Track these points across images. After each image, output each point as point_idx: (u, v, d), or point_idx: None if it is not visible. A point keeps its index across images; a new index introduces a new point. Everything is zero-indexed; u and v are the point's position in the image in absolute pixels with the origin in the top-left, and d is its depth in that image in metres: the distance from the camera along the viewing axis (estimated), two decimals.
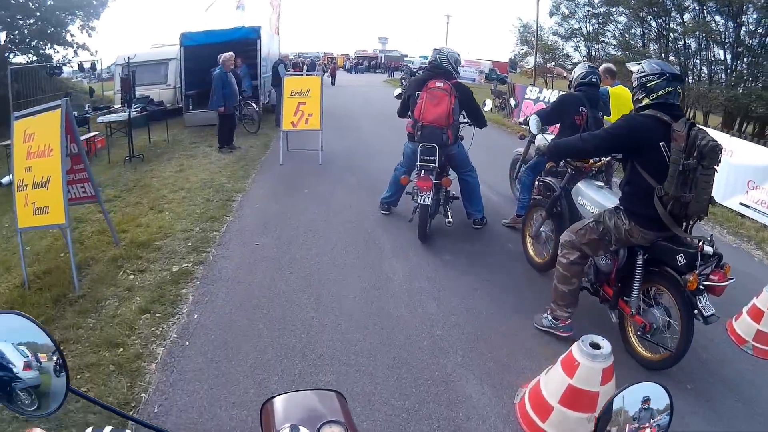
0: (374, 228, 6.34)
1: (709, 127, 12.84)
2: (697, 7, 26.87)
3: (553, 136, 6.36)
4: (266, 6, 21.60)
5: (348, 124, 14.92)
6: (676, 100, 3.57)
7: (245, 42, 14.73)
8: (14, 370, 1.08)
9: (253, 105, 13.68)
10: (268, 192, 7.84)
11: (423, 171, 5.71)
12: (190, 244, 5.77)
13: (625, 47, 31.46)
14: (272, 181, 8.54)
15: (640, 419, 1.24)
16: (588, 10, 33.46)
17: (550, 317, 4.12)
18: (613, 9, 31.69)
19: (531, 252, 5.54)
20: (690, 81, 26.20)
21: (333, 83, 35.20)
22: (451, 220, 5.98)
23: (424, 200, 5.65)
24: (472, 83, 43.31)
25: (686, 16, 28.10)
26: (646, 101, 3.58)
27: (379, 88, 34.32)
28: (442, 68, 6.08)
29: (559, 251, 4.07)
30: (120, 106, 13.94)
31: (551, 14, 36.15)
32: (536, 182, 6.17)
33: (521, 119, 7.06)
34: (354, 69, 59.43)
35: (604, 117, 6.09)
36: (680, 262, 3.45)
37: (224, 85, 10.76)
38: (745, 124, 25.02)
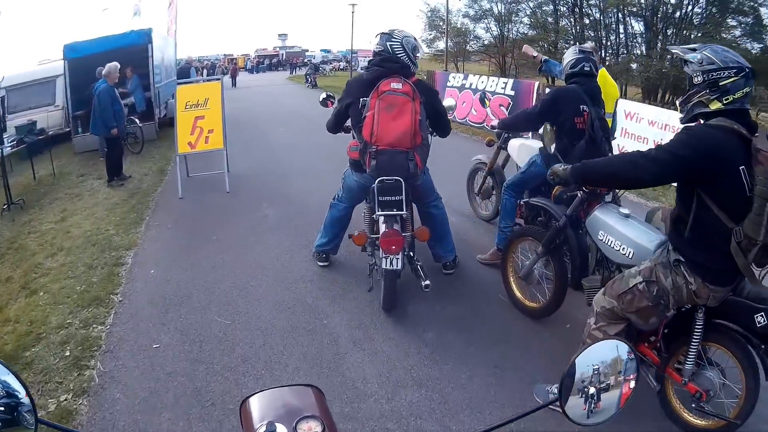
0: (317, 298, 4.72)
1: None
2: None
3: (533, 143, 5.30)
4: (163, 11, 19.87)
5: (255, 134, 13.37)
6: (748, 105, 2.65)
7: (135, 49, 13.02)
8: None
9: (136, 121, 12.07)
10: (166, 245, 6.17)
11: (384, 219, 4.15)
12: (68, 353, 4.06)
13: (538, 25, 31.64)
14: (171, 225, 6.84)
15: (603, 374, 1.27)
16: None
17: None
18: None
19: (518, 294, 4.48)
20: (605, 55, 26.75)
21: (234, 85, 34.31)
22: (428, 282, 4.22)
23: (393, 264, 4.06)
24: None
25: None
26: (716, 105, 2.59)
27: (283, 87, 33.22)
28: (397, 60, 4.36)
29: (593, 321, 3.11)
30: None
31: None
32: (520, 203, 5.21)
33: (493, 123, 5.73)
34: (255, 69, 58.55)
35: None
36: (760, 323, 2.72)
37: (113, 102, 8.95)
38: (668, 95, 25.53)
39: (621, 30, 28.79)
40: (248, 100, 23.15)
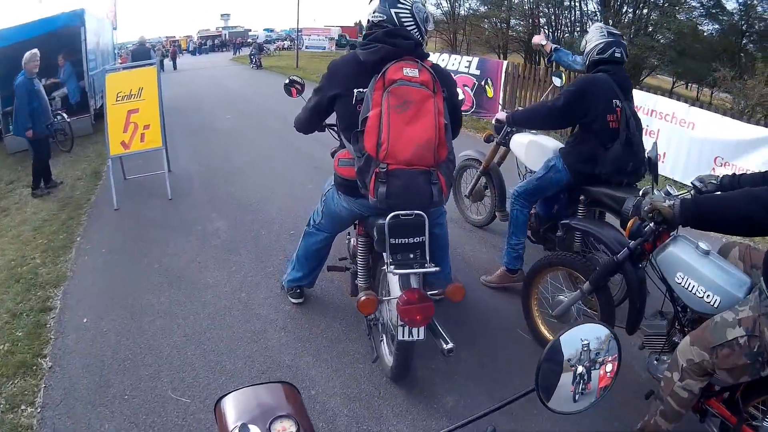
0: (296, 354, 3.68)
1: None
2: None
3: (548, 142, 4.64)
4: None
5: (198, 123, 12.09)
6: None
7: (67, 32, 11.69)
8: None
9: (63, 115, 10.67)
10: (100, 278, 5.04)
11: (399, 268, 2.89)
12: None
13: (492, 2, 31.33)
14: (105, 249, 5.70)
15: (583, 359, 1.24)
16: None
17: None
18: None
19: (547, 334, 3.71)
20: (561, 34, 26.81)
21: (175, 68, 33.00)
22: (452, 346, 2.93)
23: (413, 335, 2.89)
24: (324, 51, 42.43)
25: None
26: None
27: (227, 68, 31.91)
28: (408, 36, 3.09)
29: (678, 376, 2.55)
30: None
31: None
32: (532, 215, 4.56)
33: (499, 117, 4.92)
34: (198, 50, 57.08)
35: None
36: None
37: (31, 98, 7.62)
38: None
39: (577, 6, 28.60)
40: (191, 84, 21.73)
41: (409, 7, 3.14)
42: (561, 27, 29.34)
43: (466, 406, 3.20)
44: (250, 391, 1.24)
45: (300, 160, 8.58)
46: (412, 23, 3.14)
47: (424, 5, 3.28)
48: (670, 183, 3.83)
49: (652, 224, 2.73)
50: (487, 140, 5.24)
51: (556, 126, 4.53)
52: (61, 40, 11.51)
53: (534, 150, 4.55)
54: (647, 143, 3.85)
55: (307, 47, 42.72)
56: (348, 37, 47.57)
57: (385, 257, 3.01)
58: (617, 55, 3.93)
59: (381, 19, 3.12)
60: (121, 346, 3.90)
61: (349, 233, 4.16)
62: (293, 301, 4.29)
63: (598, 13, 27.68)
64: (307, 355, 3.71)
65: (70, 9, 12.44)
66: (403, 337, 2.89)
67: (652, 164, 3.23)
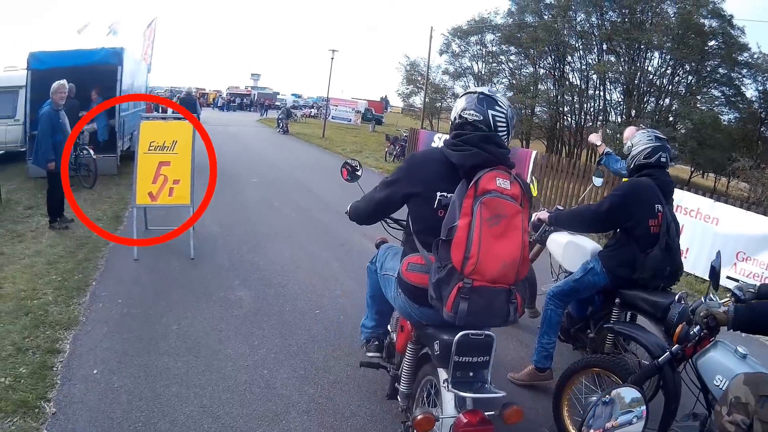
0: None
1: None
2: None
3: (587, 243, 4.58)
4: (140, 33, 19.04)
5: (223, 183, 11.96)
6: None
7: (104, 68, 11.87)
8: None
9: (89, 150, 10.71)
10: (114, 330, 4.86)
11: (461, 388, 2.70)
12: None
13: (519, 89, 32.19)
14: (122, 299, 5.52)
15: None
16: (479, 49, 34.38)
17: None
18: (506, 47, 32.59)
19: (567, 421, 3.70)
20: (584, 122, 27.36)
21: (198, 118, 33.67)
22: None
23: None
24: (348, 123, 43.17)
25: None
26: None
27: (253, 129, 32.45)
28: (501, 144, 2.92)
29: (724, 408, 2.46)
30: None
31: (441, 52, 37.17)
32: (564, 314, 4.44)
33: (540, 216, 4.73)
34: (226, 106, 57.42)
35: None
36: None
37: (55, 130, 7.58)
38: None
39: (600, 96, 29.48)
40: (216, 141, 21.91)
41: (505, 111, 2.94)
42: (584, 115, 30.03)
43: None
44: None
45: (325, 236, 8.54)
46: (505, 128, 2.95)
47: (512, 108, 3.09)
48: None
49: (696, 329, 2.79)
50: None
51: (599, 230, 4.53)
52: (96, 74, 11.67)
53: (572, 251, 4.56)
54: (683, 244, 3.84)
55: (333, 117, 43.31)
56: (374, 112, 48.46)
57: (442, 372, 2.82)
58: (663, 159, 4.02)
59: (476, 119, 2.91)
60: (132, 407, 3.71)
61: (390, 329, 3.96)
62: (368, 355, 3.86)
63: (621, 103, 28.34)
64: None
65: (111, 45, 12.78)
66: None
67: (714, 272, 3.17)
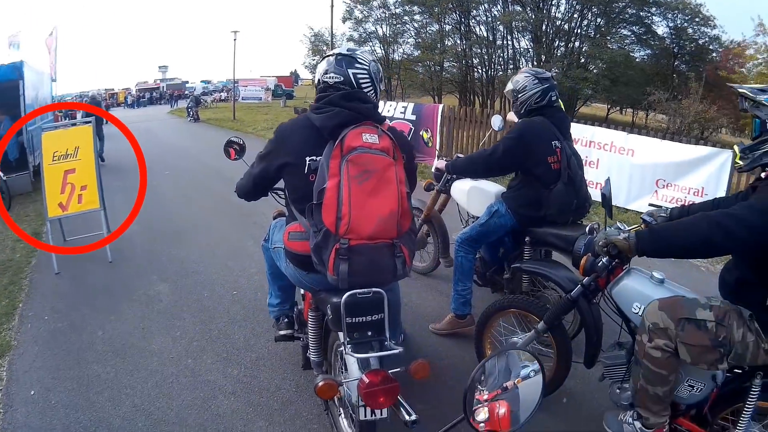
0: (250, 422, 3.74)
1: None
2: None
3: (489, 187, 4.64)
4: (42, 43, 18.21)
5: (136, 180, 11.83)
6: None
7: (5, 86, 11.47)
8: None
9: None
10: (45, 347, 4.99)
11: (358, 350, 2.72)
12: None
13: (426, 47, 32.23)
14: (47, 316, 5.64)
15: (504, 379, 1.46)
16: (383, 12, 34.20)
17: (638, 425, 2.75)
18: (409, 8, 32.45)
19: None
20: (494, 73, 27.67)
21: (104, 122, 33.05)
22: (416, 418, 2.70)
23: (376, 414, 2.69)
24: (259, 102, 42.46)
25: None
26: None
27: (164, 122, 31.67)
28: (366, 99, 2.94)
29: (644, 336, 2.64)
30: None
31: (344, 19, 37.07)
32: (478, 259, 4.65)
33: (438, 165, 5.08)
34: (137, 103, 56.48)
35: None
36: None
37: None
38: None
39: (509, 45, 29.77)
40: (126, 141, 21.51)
41: (366, 67, 3.00)
42: (494, 66, 30.32)
43: None
44: None
45: (239, 217, 8.66)
46: (369, 84, 3.00)
47: (377, 62, 3.13)
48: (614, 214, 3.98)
49: (605, 259, 2.86)
50: (428, 189, 5.34)
51: (496, 174, 4.60)
52: None
53: (476, 196, 4.70)
54: (599, 178, 4.03)
55: (243, 98, 42.76)
56: (284, 87, 47.85)
57: (341, 336, 2.81)
58: (553, 98, 4.08)
59: (338, 80, 2.97)
60: (71, 420, 3.92)
61: (296, 301, 4.13)
62: (280, 332, 3.99)
63: (530, 50, 28.75)
64: (259, 419, 3.79)
65: (9, 61, 12.35)
66: (365, 417, 2.70)
67: (606, 200, 3.20)
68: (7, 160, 11.45)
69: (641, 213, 3.52)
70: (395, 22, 35.28)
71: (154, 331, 5.14)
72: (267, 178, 3.18)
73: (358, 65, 2.97)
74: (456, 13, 31.95)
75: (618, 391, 3.00)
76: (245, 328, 5.07)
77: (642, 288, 2.86)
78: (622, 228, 2.82)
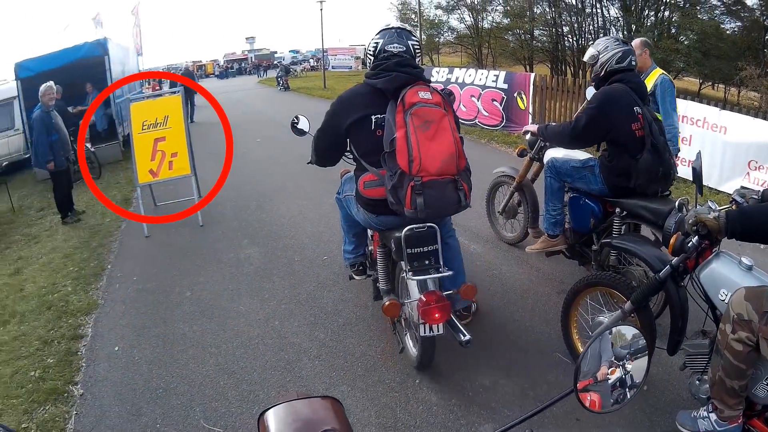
0: (331, 383, 3.63)
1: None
2: None
3: (577, 154, 4.54)
4: (127, 18, 19.13)
5: (224, 148, 11.93)
6: None
7: (91, 62, 11.95)
8: None
9: (87, 144, 10.75)
10: (131, 307, 5.02)
11: (416, 274, 3.25)
12: None
13: (515, 14, 31.28)
14: (136, 277, 5.68)
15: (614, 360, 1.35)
16: None
17: (713, 417, 2.58)
18: None
19: (577, 342, 3.63)
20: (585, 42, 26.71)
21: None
22: (469, 337, 3.28)
23: (434, 330, 3.24)
24: (350, 71, 42.51)
25: None
26: None
27: (254, 91, 31.94)
28: (416, 65, 3.48)
29: (728, 327, 2.44)
30: None
31: None
32: (567, 230, 4.59)
33: (529, 128, 4.93)
34: (224, 74, 57.22)
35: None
36: None
37: (49, 131, 7.61)
38: None
39: (599, 13, 28.54)
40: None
41: (418, 39, 3.57)
42: (585, 35, 29.21)
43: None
44: (294, 405, 1.21)
45: (332, 185, 8.37)
46: (420, 53, 3.53)
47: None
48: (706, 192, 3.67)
49: (695, 239, 2.63)
50: (521, 155, 5.18)
51: (583, 146, 4.36)
52: (85, 69, 11.80)
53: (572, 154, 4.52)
54: (692, 155, 3.74)
55: (333, 67, 42.87)
56: None
57: (403, 265, 3.31)
58: (633, 63, 3.96)
59: (400, 50, 3.43)
60: (153, 375, 3.87)
61: (367, 243, 4.29)
62: (355, 276, 4.28)
63: (620, 18, 27.55)
64: (341, 384, 3.62)
65: (94, 38, 12.80)
66: (425, 333, 3.25)
67: (696, 174, 3.10)
68: (96, 131, 12.01)
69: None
70: None
71: (243, 293, 5.04)
72: (337, 142, 3.58)
73: (414, 38, 3.53)
74: None
75: (698, 382, 2.78)
76: (334, 293, 4.89)
77: (730, 273, 2.62)
78: (713, 207, 2.62)
